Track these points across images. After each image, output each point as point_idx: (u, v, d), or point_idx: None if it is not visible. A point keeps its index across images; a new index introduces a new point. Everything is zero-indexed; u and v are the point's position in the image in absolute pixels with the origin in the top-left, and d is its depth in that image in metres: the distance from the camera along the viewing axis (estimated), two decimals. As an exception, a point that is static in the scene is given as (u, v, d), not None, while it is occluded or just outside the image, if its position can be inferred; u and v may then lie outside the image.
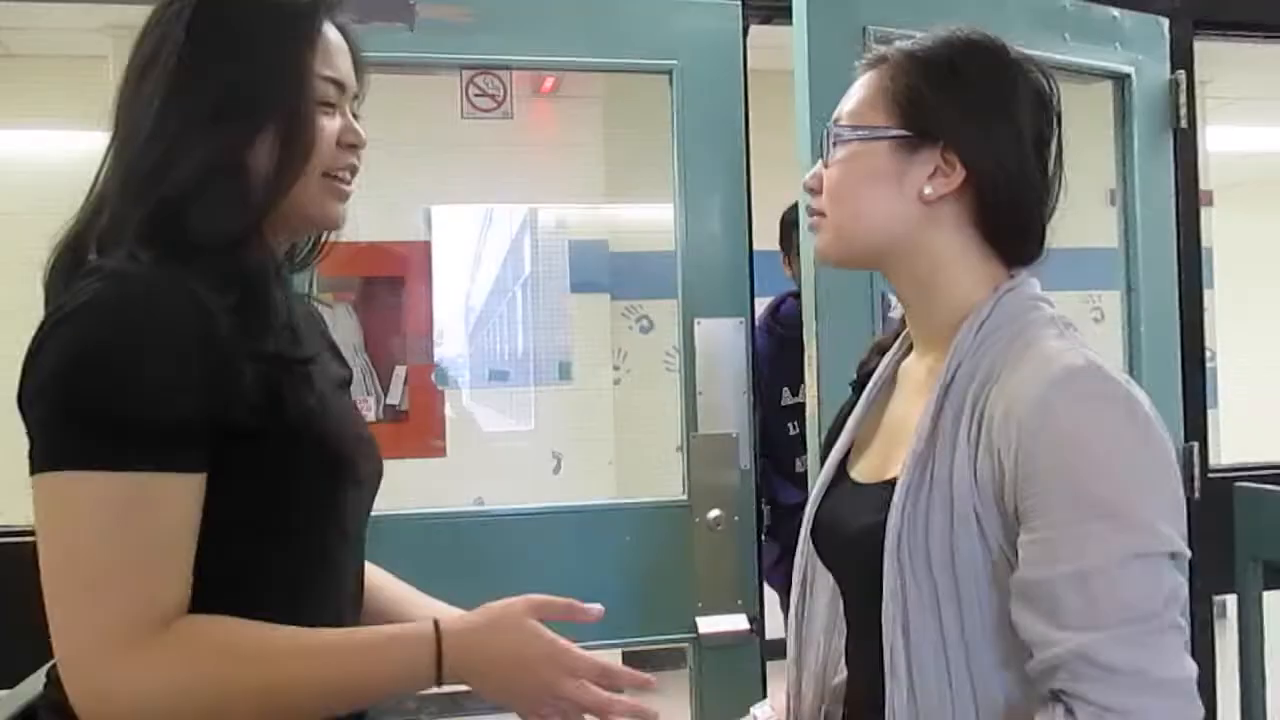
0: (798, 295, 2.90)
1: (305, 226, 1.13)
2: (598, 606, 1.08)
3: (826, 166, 1.12)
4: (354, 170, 1.11)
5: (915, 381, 1.16)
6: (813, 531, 1.20)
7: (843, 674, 1.18)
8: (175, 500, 0.94)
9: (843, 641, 1.18)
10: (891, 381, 1.22)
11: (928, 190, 1.07)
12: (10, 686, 1.19)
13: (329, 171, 1.08)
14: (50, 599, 0.93)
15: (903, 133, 1.07)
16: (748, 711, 1.33)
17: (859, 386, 1.25)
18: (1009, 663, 0.99)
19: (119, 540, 0.91)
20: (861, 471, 1.17)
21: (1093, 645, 0.92)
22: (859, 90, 1.13)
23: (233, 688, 0.94)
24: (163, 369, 0.93)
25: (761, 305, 2.29)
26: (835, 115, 1.14)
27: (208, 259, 0.98)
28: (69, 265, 1.01)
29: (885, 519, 1.02)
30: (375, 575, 1.27)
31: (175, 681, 0.92)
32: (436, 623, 0.99)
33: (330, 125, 1.07)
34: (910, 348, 1.21)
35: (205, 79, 1.02)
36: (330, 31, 1.08)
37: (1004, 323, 1.06)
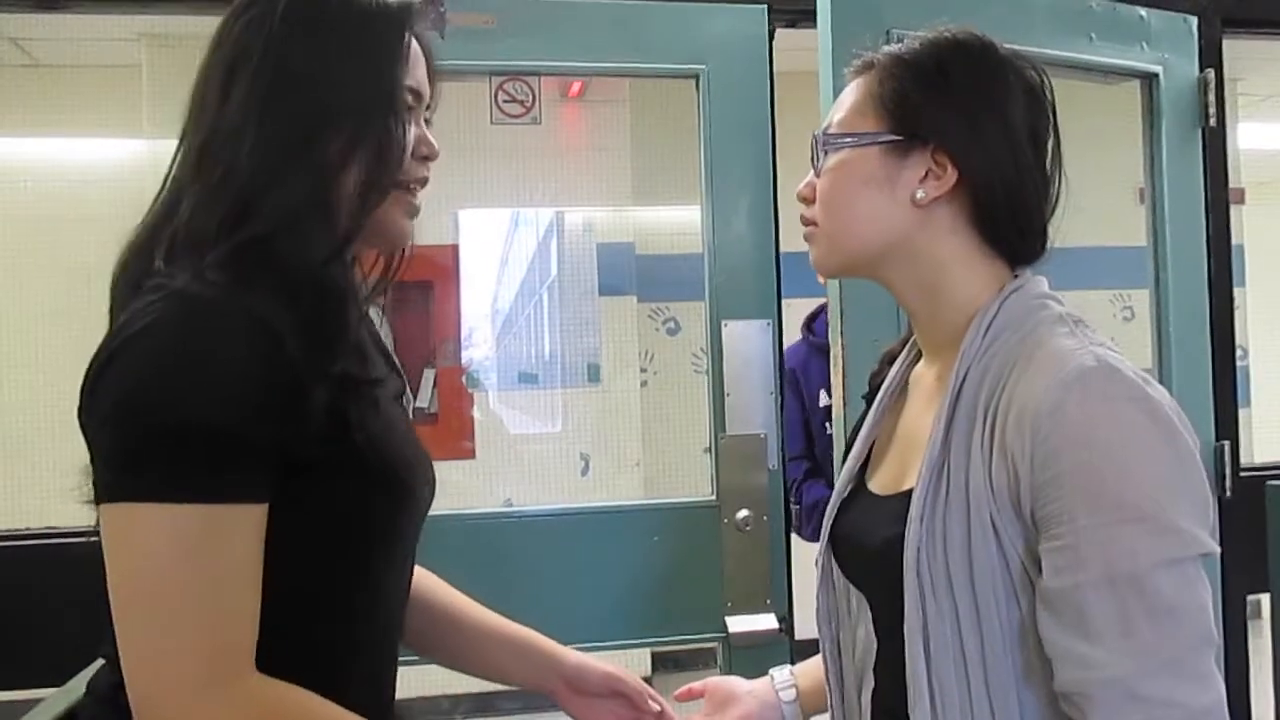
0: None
1: (375, 242, 1.11)
2: None
3: (818, 175, 1.11)
4: (424, 183, 1.09)
5: (925, 389, 1.15)
6: (833, 544, 1.19)
7: (870, 680, 1.18)
8: (244, 532, 0.93)
9: (867, 643, 1.18)
10: (903, 389, 1.21)
11: (920, 194, 1.06)
12: (38, 685, 1.20)
13: (406, 181, 1.06)
14: (122, 634, 0.91)
15: (892, 137, 1.06)
16: (766, 673, 1.35)
17: (871, 398, 1.25)
18: (1027, 677, 0.98)
19: (192, 576, 0.90)
20: (879, 483, 1.16)
21: (1132, 677, 0.90)
22: (848, 97, 1.11)
23: None
24: (228, 398, 0.91)
25: (789, 307, 2.30)
26: (825, 123, 1.13)
27: (286, 279, 0.96)
28: (137, 270, 0.99)
29: (905, 532, 1.02)
30: (433, 585, 1.28)
31: None
32: None
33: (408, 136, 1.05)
34: (920, 354, 1.20)
35: (305, 89, 1.00)
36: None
37: (1011, 323, 1.04)
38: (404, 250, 1.15)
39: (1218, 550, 0.96)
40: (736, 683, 1.36)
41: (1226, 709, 0.93)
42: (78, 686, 1.08)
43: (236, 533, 0.92)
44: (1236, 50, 2.48)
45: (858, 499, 1.18)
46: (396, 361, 1.20)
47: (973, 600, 0.98)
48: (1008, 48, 1.10)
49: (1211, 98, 2.30)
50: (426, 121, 1.10)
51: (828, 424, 2.77)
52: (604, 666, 1.30)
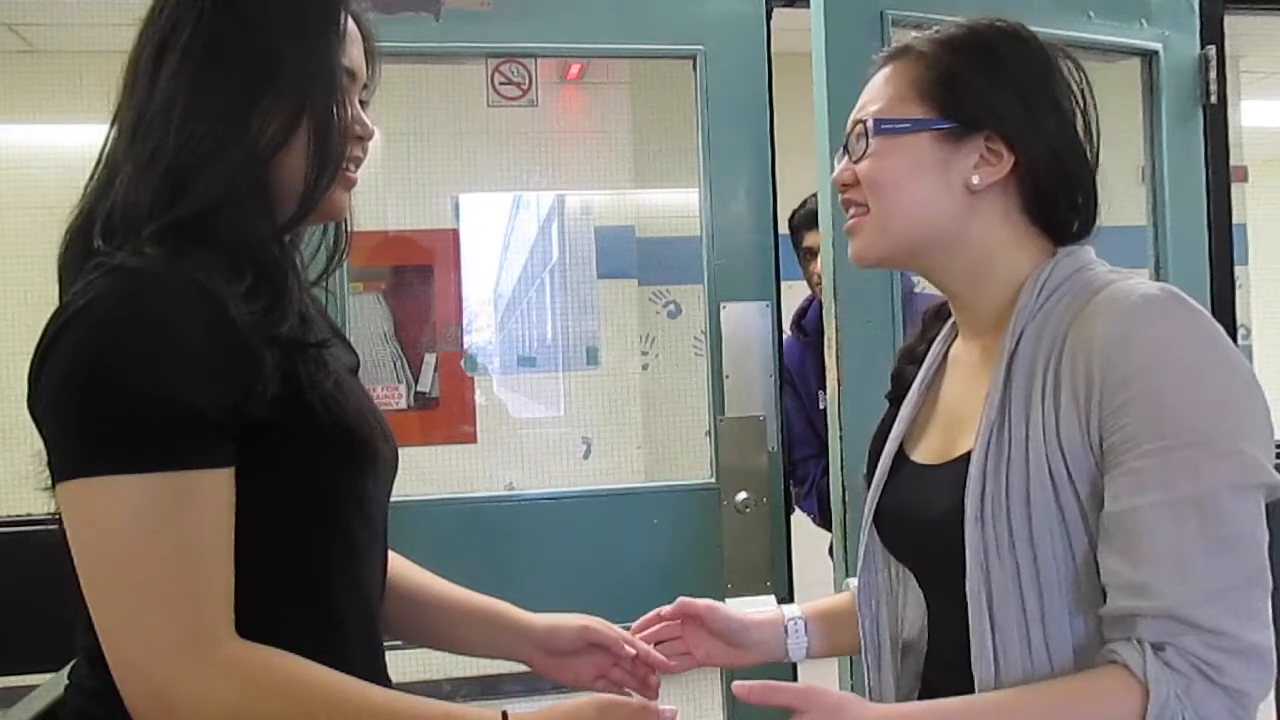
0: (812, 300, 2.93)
1: (314, 219, 1.11)
2: (672, 708, 1.05)
3: (856, 162, 1.10)
4: (359, 161, 1.09)
5: (969, 364, 1.16)
6: (877, 520, 1.20)
7: (922, 640, 1.18)
8: (211, 496, 0.93)
9: (909, 614, 1.18)
10: (943, 366, 1.21)
11: (975, 180, 1.06)
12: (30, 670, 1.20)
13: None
14: (97, 611, 0.91)
15: (948, 123, 1.06)
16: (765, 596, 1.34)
17: (898, 397, 1.25)
18: (1077, 618, 0.99)
19: (161, 545, 0.90)
20: (924, 454, 1.17)
21: (1184, 606, 0.91)
22: (887, 84, 1.11)
23: None
24: (177, 363, 0.91)
25: (787, 288, 2.30)
26: (860, 110, 1.12)
27: (225, 253, 0.97)
28: (80, 250, 0.99)
29: (964, 495, 1.02)
30: (397, 566, 1.27)
31: (238, 709, 0.91)
32: (505, 714, 0.98)
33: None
34: (957, 332, 1.20)
35: (238, 67, 1.00)
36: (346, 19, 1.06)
37: (1064, 283, 1.05)
38: (347, 229, 1.16)
39: None
40: (741, 627, 1.31)
41: (1275, 657, 0.93)
42: (63, 678, 1.08)
43: (203, 499, 0.92)
44: (1239, 27, 2.46)
45: (901, 474, 1.18)
46: (349, 338, 1.21)
47: (1032, 554, 0.99)
48: (1044, 36, 1.12)
49: (1213, 75, 2.29)
50: (363, 103, 1.10)
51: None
52: (576, 621, 1.30)
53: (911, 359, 1.26)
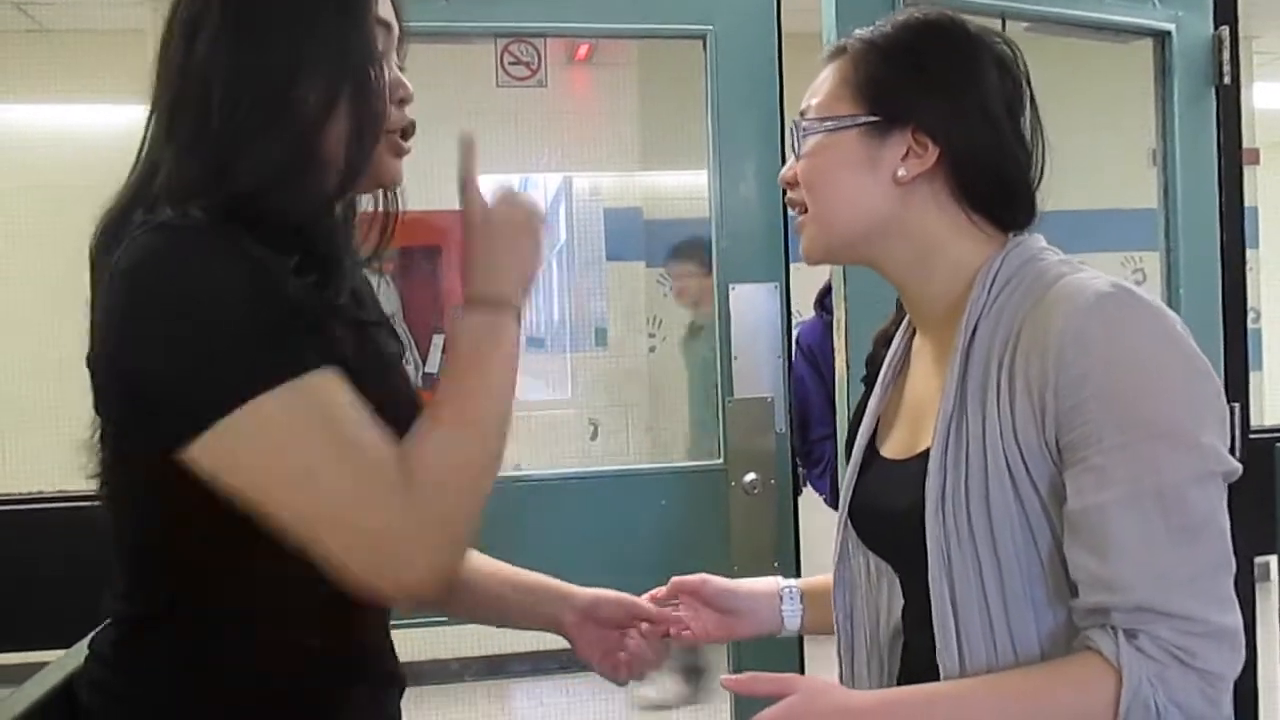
0: None
1: (368, 186, 1.09)
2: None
3: (799, 159, 1.13)
4: (407, 129, 1.07)
5: (927, 358, 1.17)
6: (851, 515, 1.21)
7: (899, 636, 1.19)
8: (342, 387, 0.92)
9: (889, 606, 1.19)
10: (906, 360, 1.22)
11: (901, 172, 1.08)
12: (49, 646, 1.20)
13: (388, 128, 1.04)
14: (300, 527, 0.89)
15: (870, 119, 1.08)
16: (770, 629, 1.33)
17: (870, 380, 1.26)
18: (1043, 610, 1.01)
19: (324, 443, 0.89)
20: (892, 449, 1.18)
21: (1155, 598, 0.93)
22: (823, 83, 1.14)
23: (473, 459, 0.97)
24: (251, 286, 0.91)
25: (797, 270, 2.29)
26: (802, 109, 1.15)
27: (274, 231, 0.96)
28: (118, 230, 0.97)
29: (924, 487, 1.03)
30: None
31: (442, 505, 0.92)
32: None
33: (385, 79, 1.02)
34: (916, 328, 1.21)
35: (272, 40, 0.97)
36: None
37: (1015, 275, 1.06)
38: (396, 212, 1.14)
39: (1239, 468, 0.98)
40: (733, 595, 1.32)
41: (1243, 638, 0.95)
42: (81, 651, 1.08)
43: (337, 389, 0.91)
44: (1252, 8, 2.44)
45: (872, 468, 1.20)
46: (399, 330, 1.19)
47: (992, 546, 1.00)
48: (977, 25, 1.13)
49: (1225, 56, 2.27)
50: (400, 69, 1.08)
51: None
52: (616, 594, 1.30)
53: (886, 343, 1.27)
